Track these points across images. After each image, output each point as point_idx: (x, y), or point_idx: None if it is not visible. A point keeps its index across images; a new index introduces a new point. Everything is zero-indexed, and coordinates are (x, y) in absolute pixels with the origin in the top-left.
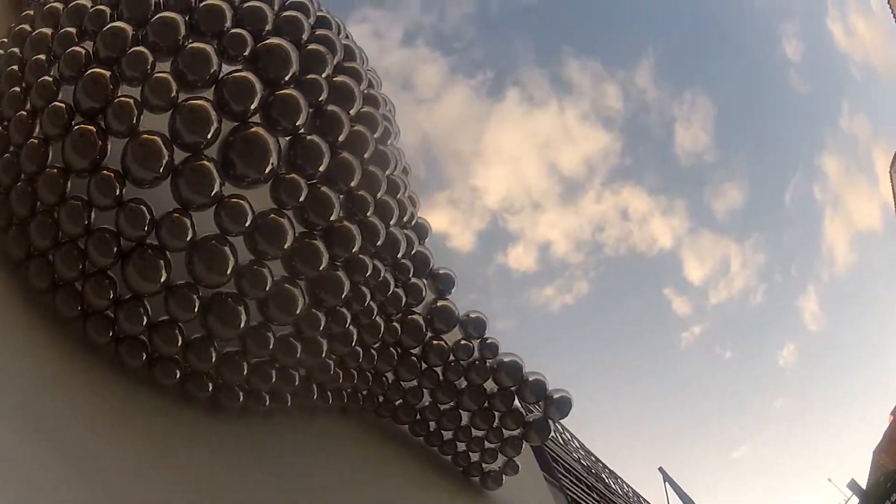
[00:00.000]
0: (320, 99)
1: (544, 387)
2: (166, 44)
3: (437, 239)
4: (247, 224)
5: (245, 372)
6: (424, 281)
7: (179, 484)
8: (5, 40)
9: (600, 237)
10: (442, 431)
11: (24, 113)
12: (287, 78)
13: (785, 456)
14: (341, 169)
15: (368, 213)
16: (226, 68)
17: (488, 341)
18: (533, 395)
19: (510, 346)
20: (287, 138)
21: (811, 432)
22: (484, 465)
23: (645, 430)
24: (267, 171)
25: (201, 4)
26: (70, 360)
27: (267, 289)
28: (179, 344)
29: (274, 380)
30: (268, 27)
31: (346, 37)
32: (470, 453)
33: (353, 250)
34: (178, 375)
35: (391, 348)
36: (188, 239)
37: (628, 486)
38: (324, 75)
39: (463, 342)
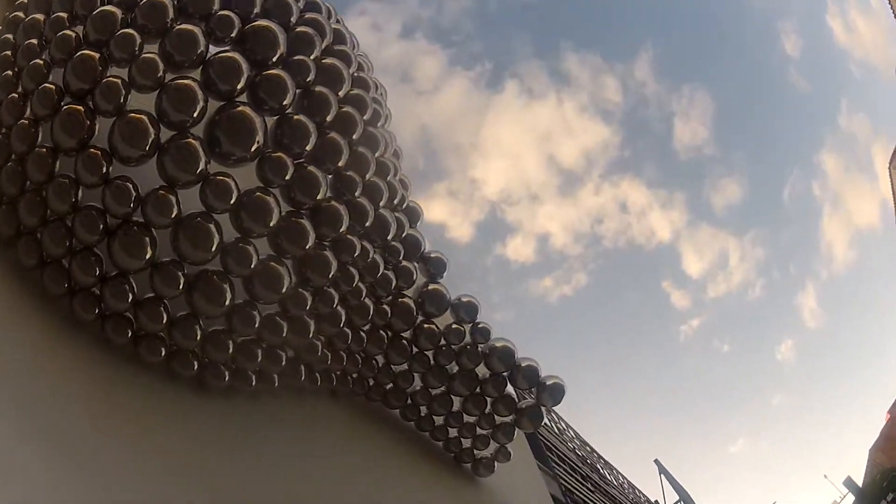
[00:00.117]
0: (308, 80)
1: (537, 373)
2: (154, 26)
3: (436, 229)
4: (232, 201)
5: (230, 350)
6: (415, 264)
7: (163, 463)
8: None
9: (599, 229)
10: (433, 417)
11: (16, 95)
12: (274, 59)
13: (782, 452)
14: (328, 149)
15: (357, 194)
16: (214, 51)
17: (480, 326)
18: (525, 381)
19: (509, 336)
20: (274, 118)
21: (808, 429)
22: (476, 451)
23: (642, 422)
24: (253, 149)
25: None
26: (57, 336)
27: (252, 266)
28: (165, 321)
29: (260, 359)
30: (256, 10)
31: (337, 21)
32: (462, 439)
33: (341, 230)
34: (163, 353)
35: (381, 331)
36: (173, 216)
37: (623, 477)
38: (312, 57)
39: (454, 326)
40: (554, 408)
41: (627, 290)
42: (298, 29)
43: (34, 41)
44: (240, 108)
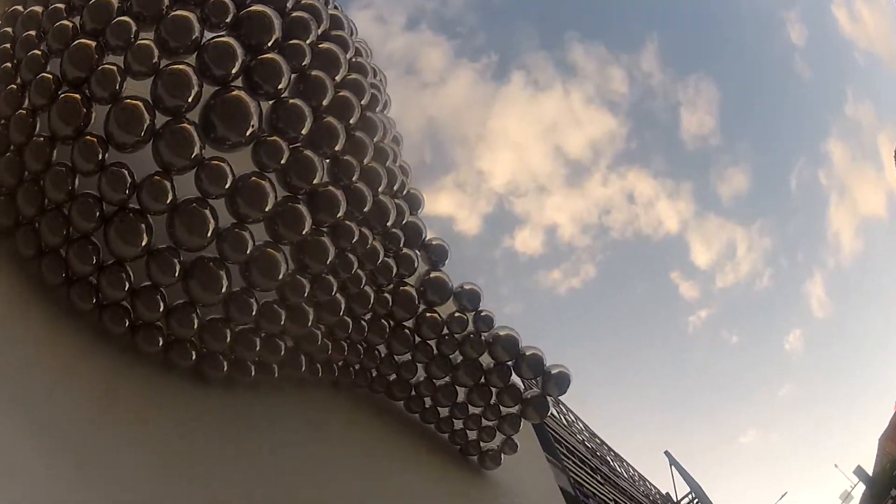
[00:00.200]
0: (303, 64)
1: (542, 362)
2: (150, 13)
3: (444, 223)
4: (227, 186)
5: (228, 339)
6: (417, 252)
7: (163, 455)
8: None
9: (607, 220)
10: (438, 408)
11: (14, 87)
12: (269, 44)
13: (792, 442)
14: (325, 133)
15: (354, 179)
16: (209, 36)
17: (483, 314)
18: (530, 370)
19: (519, 330)
20: (270, 102)
21: (818, 418)
22: (482, 443)
23: (652, 413)
24: (248, 133)
25: None
26: (56, 328)
27: (248, 252)
28: (161, 310)
29: (259, 348)
30: None
31: (335, 7)
32: (467, 431)
33: (338, 215)
34: (160, 343)
35: (382, 320)
36: (168, 201)
37: (634, 469)
38: (308, 42)
39: (457, 315)
40: (563, 400)
41: (636, 281)
42: (294, 14)
43: (32, 33)
44: (234, 93)
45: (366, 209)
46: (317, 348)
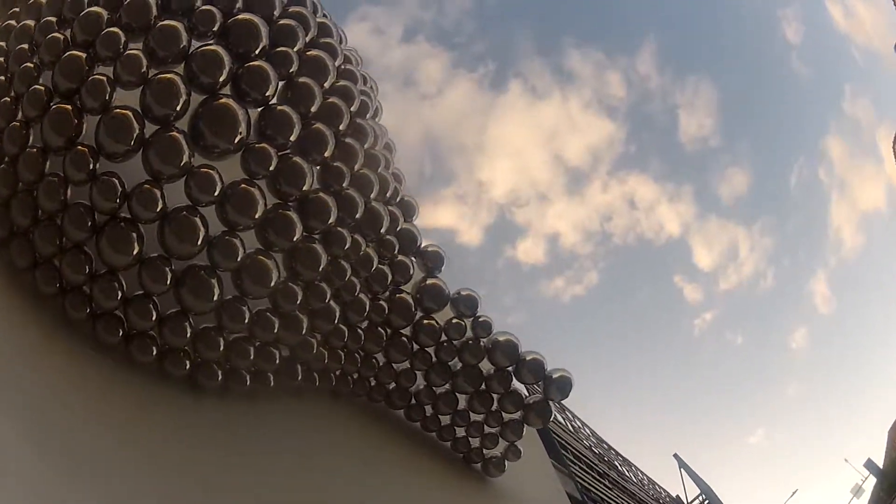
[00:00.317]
0: (291, 71)
1: (543, 366)
2: (138, 24)
3: (446, 235)
4: (216, 193)
5: (221, 348)
6: (412, 259)
7: (158, 465)
8: None
9: (608, 226)
10: (439, 416)
11: (8, 99)
12: (257, 51)
13: (801, 438)
14: (314, 139)
15: (345, 185)
16: (198, 45)
17: (481, 319)
18: (531, 375)
19: (523, 339)
20: (258, 110)
21: (827, 414)
22: (485, 450)
23: (659, 417)
24: (236, 140)
25: None
26: (51, 337)
27: (239, 259)
28: (154, 319)
29: (253, 357)
30: (238, 4)
31: (324, 16)
32: (469, 439)
33: (329, 222)
34: (154, 352)
35: (379, 328)
36: (158, 210)
37: (643, 473)
38: (295, 49)
39: (455, 321)
40: (569, 407)
41: (639, 286)
42: (281, 22)
43: (24, 46)
44: (222, 101)
45: (358, 216)
46: (313, 357)
